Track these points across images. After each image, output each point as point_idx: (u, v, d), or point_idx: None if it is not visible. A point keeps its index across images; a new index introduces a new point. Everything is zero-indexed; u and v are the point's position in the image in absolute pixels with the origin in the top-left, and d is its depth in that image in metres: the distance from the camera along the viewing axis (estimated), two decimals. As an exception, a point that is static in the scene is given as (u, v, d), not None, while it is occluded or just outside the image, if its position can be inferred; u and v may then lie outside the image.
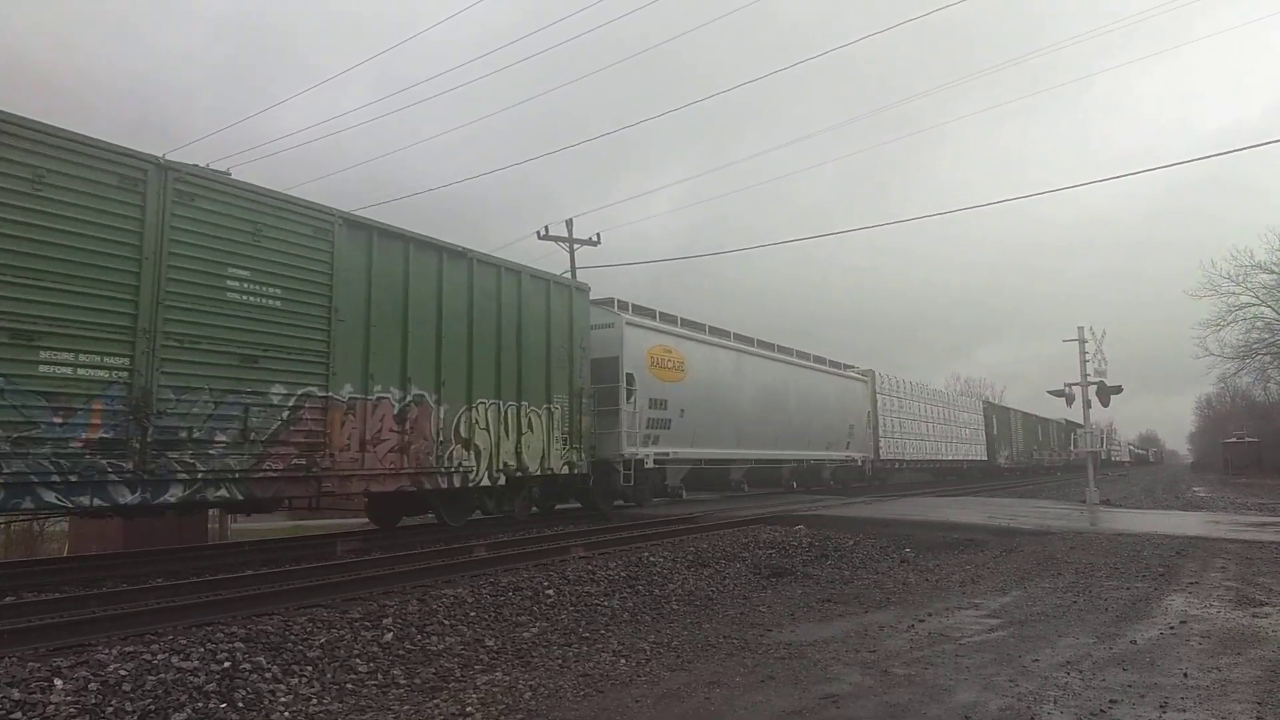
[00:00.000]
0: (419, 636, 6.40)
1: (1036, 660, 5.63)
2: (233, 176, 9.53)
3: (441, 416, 11.68)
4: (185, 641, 5.62)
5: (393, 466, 10.92)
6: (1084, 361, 21.11)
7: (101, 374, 7.93)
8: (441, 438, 11.70)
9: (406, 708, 4.94)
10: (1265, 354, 43.98)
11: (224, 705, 4.84)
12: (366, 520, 17.23)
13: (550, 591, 8.01)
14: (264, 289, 9.48)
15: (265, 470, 9.31)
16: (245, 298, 9.27)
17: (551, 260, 71.19)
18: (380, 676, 5.57)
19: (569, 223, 29.85)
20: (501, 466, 12.74)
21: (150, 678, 4.97)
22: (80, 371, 7.79)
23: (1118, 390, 21.50)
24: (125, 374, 8.10)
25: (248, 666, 5.37)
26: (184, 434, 8.53)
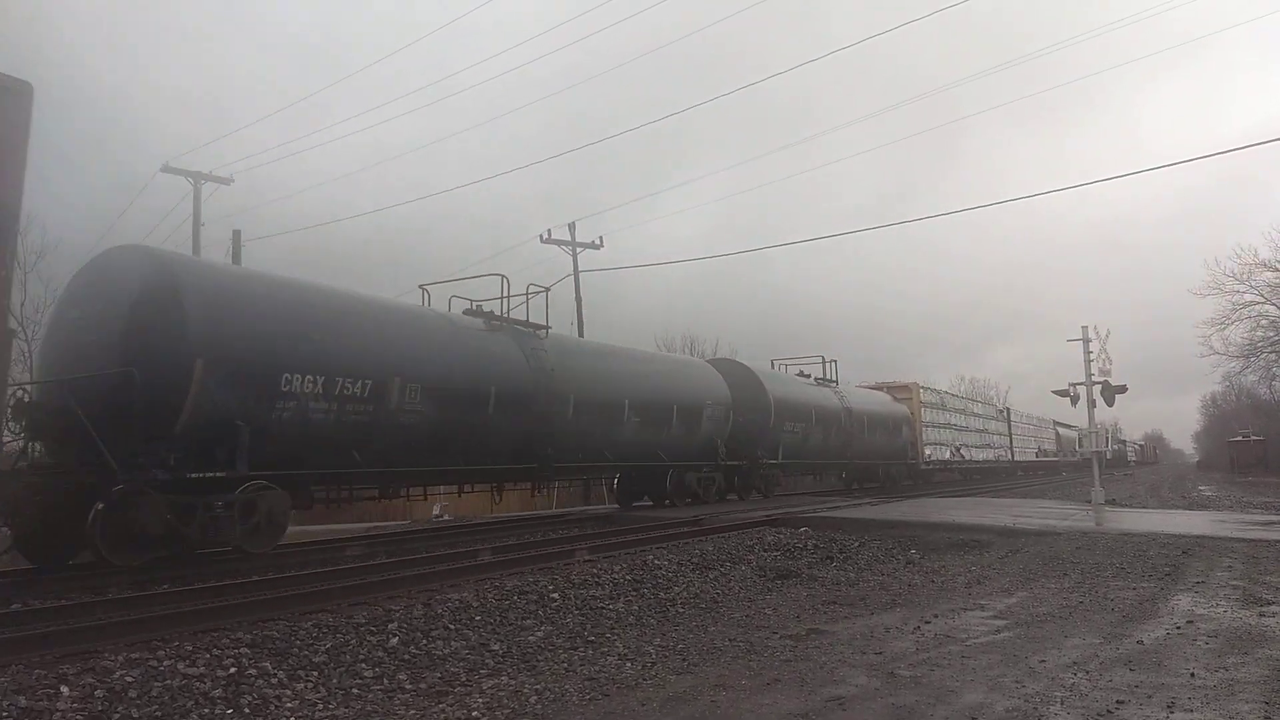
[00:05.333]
0: (424, 641, 6.40)
1: (1043, 661, 5.62)
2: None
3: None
4: (191, 647, 5.63)
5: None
6: (1088, 361, 21.06)
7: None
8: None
9: (412, 712, 4.94)
10: (1270, 352, 43.83)
11: (230, 711, 4.85)
12: (369, 525, 17.96)
13: (555, 595, 8.00)
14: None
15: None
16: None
17: (555, 263, 71.15)
18: (386, 681, 5.57)
19: (571, 226, 29.88)
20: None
21: (156, 684, 4.97)
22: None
23: (1122, 390, 21.44)
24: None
25: (254, 672, 5.37)
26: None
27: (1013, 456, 46.95)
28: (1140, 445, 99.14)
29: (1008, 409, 50.29)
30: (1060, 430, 62.65)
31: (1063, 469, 58.42)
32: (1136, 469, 77.40)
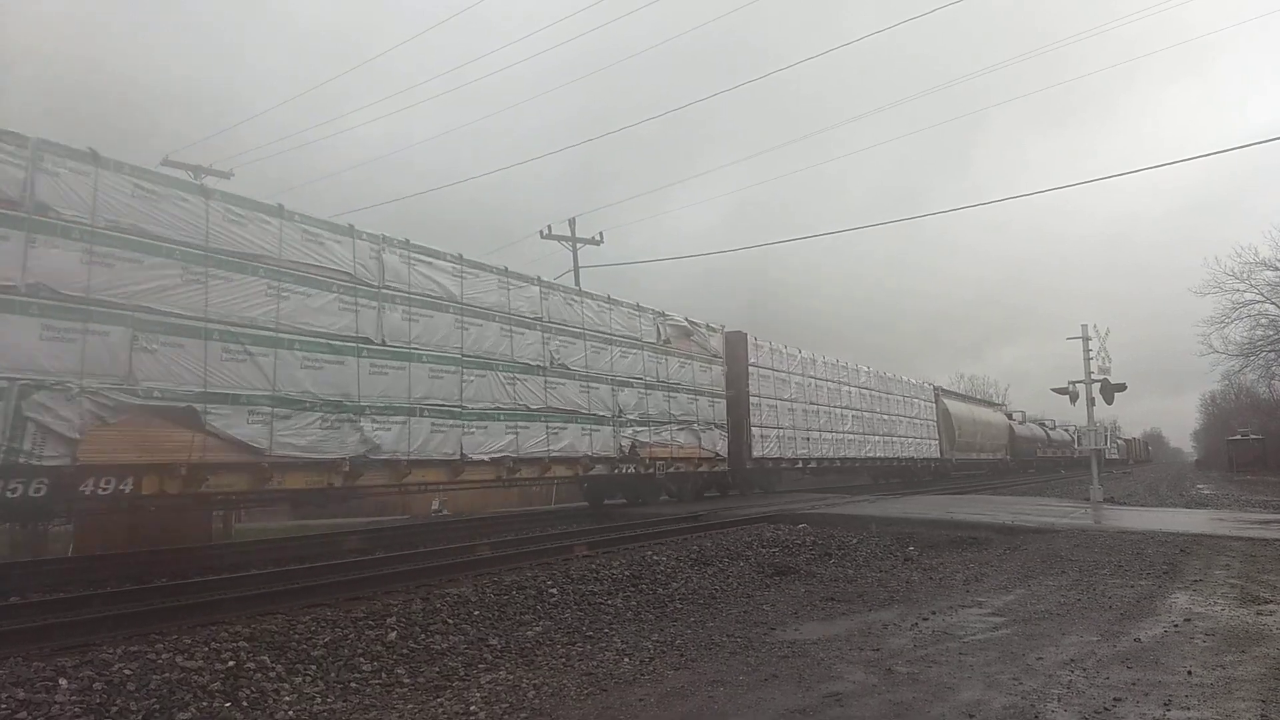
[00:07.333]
0: (423, 635, 6.41)
1: (1040, 658, 5.63)
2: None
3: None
4: (189, 641, 5.64)
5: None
6: (1088, 359, 21.07)
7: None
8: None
9: (410, 706, 4.94)
10: (1270, 351, 43.82)
11: (228, 704, 4.85)
12: (368, 519, 18.76)
13: (554, 590, 8.01)
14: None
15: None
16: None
17: (555, 259, 71.13)
18: (384, 675, 5.58)
19: (571, 222, 29.82)
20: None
21: (155, 677, 4.98)
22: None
23: (1121, 388, 21.45)
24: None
25: (252, 665, 5.38)
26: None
27: (763, 451, 21.94)
28: (1126, 441, 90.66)
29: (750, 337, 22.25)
30: (950, 406, 36.93)
31: (926, 474, 34.42)
32: (1133, 467, 76.46)
